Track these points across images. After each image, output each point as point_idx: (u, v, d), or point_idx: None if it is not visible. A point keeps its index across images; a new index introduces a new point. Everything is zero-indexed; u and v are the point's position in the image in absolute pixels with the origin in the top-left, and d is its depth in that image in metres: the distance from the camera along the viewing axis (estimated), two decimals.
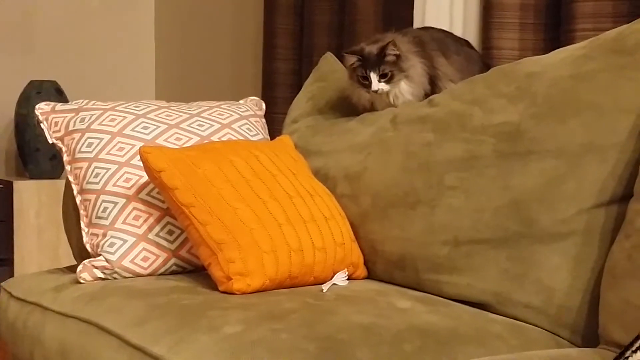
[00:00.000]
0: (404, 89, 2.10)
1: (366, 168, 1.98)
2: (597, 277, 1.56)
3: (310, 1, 3.12)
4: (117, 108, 2.10)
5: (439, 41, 2.22)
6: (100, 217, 1.94)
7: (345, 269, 1.86)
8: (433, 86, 2.13)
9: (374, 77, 2.07)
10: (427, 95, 2.12)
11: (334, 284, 1.80)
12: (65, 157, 2.07)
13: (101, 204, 1.95)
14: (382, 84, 2.08)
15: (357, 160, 2.02)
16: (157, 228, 1.92)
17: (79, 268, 1.90)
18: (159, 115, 2.10)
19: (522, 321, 1.63)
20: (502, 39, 2.42)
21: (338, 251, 1.85)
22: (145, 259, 1.90)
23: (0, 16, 3.85)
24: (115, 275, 1.90)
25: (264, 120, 2.29)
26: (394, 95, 2.10)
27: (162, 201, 1.93)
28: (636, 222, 1.47)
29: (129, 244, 1.89)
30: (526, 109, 1.73)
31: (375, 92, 2.08)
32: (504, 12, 2.42)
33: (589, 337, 1.57)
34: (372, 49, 2.10)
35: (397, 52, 2.08)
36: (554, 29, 2.36)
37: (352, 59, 2.12)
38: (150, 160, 1.82)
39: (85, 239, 1.97)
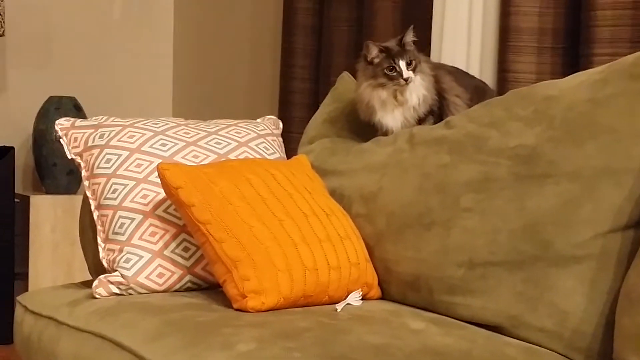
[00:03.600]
0: (418, 82, 2.10)
1: (382, 188, 1.99)
2: (613, 301, 1.56)
3: (329, 21, 3.14)
4: (136, 125, 2.11)
5: (447, 70, 2.22)
6: (117, 233, 1.96)
7: (360, 289, 1.86)
8: (440, 99, 2.13)
9: (403, 64, 2.06)
10: (432, 111, 2.12)
11: (348, 303, 1.80)
12: (83, 173, 2.08)
13: (118, 219, 1.96)
14: (411, 72, 2.07)
15: (372, 181, 2.02)
16: (173, 245, 1.92)
17: (95, 283, 1.91)
18: (177, 133, 2.11)
19: (536, 345, 1.62)
20: (519, 63, 2.43)
21: (353, 271, 1.85)
22: (160, 275, 1.91)
23: (19, 32, 3.88)
24: (130, 291, 1.90)
25: (280, 139, 2.30)
26: (409, 91, 2.09)
27: (178, 218, 1.94)
28: None
29: (144, 260, 1.90)
30: (543, 132, 1.73)
31: (406, 80, 2.06)
32: (521, 35, 2.42)
33: None
34: (391, 43, 2.11)
35: (415, 39, 2.09)
36: (572, 53, 2.36)
37: (374, 50, 2.09)
38: (167, 177, 1.83)
39: (101, 254, 1.98)
